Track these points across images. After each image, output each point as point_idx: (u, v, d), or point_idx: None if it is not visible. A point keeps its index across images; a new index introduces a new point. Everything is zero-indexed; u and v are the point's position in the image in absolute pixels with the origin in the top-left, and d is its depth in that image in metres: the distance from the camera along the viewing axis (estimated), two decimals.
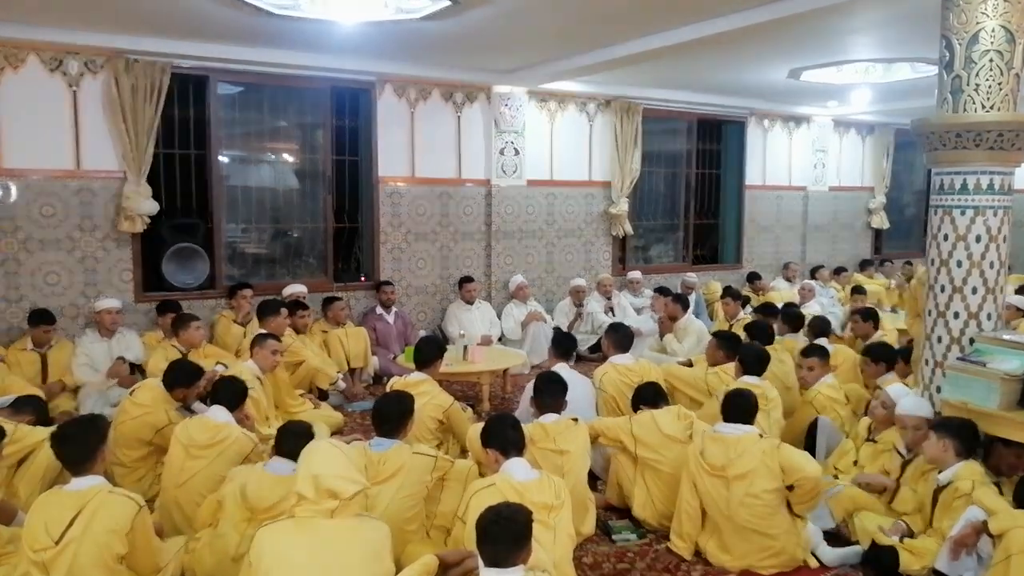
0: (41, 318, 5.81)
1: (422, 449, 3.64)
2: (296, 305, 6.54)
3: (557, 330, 5.17)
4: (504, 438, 3.32)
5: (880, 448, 4.18)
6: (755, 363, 4.69)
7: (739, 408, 3.82)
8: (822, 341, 5.67)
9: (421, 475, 3.52)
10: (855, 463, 4.29)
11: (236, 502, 3.23)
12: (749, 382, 4.50)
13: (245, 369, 4.88)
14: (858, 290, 8.22)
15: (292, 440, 3.31)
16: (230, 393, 4.05)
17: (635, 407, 4.31)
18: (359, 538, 2.66)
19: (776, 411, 4.62)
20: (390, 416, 3.62)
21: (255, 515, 3.19)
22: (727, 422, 3.81)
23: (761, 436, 3.74)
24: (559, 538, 3.07)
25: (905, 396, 4.12)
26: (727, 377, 4.83)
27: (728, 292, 7.57)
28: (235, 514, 3.23)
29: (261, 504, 3.20)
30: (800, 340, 5.99)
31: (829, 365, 5.07)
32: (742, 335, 5.84)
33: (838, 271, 10.49)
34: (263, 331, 5.53)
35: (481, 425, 3.67)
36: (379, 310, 7.44)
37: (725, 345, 5.15)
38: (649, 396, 4.30)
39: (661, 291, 8.14)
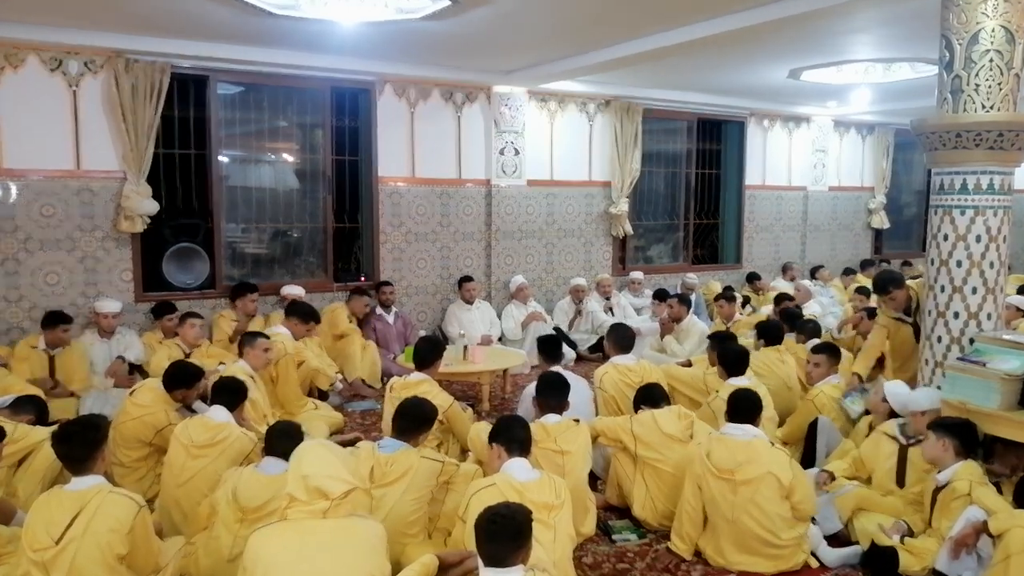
0: (59, 319, 5.70)
1: (429, 454, 3.64)
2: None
3: (540, 339, 5.26)
4: (511, 436, 3.32)
5: (877, 439, 4.14)
6: (735, 364, 4.69)
7: (742, 408, 3.79)
8: (815, 343, 5.66)
9: (427, 479, 3.53)
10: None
11: (228, 503, 3.24)
12: (737, 384, 4.47)
13: (238, 369, 4.86)
14: (862, 291, 8.17)
15: (282, 440, 3.31)
16: (229, 393, 4.06)
17: (636, 407, 4.30)
18: (353, 537, 2.65)
19: (768, 409, 4.62)
20: (407, 415, 3.64)
21: (246, 515, 3.19)
22: (731, 422, 3.79)
23: (772, 444, 3.70)
24: (559, 538, 3.07)
25: (913, 392, 4.11)
26: None
27: (723, 294, 7.50)
28: (228, 515, 3.23)
29: (251, 504, 3.20)
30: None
31: (837, 365, 5.04)
32: (740, 336, 5.83)
33: (847, 272, 10.27)
34: (252, 330, 5.54)
35: (483, 424, 3.67)
36: (379, 310, 7.44)
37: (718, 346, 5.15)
38: (651, 397, 4.29)
39: (659, 296, 8.10)
